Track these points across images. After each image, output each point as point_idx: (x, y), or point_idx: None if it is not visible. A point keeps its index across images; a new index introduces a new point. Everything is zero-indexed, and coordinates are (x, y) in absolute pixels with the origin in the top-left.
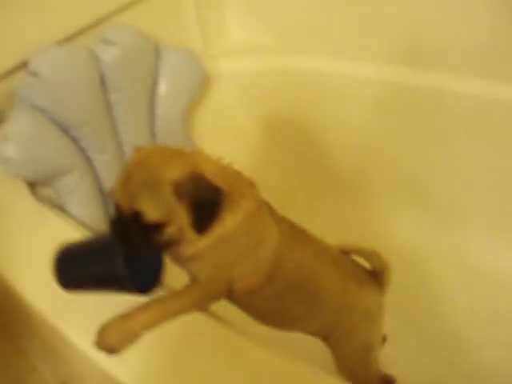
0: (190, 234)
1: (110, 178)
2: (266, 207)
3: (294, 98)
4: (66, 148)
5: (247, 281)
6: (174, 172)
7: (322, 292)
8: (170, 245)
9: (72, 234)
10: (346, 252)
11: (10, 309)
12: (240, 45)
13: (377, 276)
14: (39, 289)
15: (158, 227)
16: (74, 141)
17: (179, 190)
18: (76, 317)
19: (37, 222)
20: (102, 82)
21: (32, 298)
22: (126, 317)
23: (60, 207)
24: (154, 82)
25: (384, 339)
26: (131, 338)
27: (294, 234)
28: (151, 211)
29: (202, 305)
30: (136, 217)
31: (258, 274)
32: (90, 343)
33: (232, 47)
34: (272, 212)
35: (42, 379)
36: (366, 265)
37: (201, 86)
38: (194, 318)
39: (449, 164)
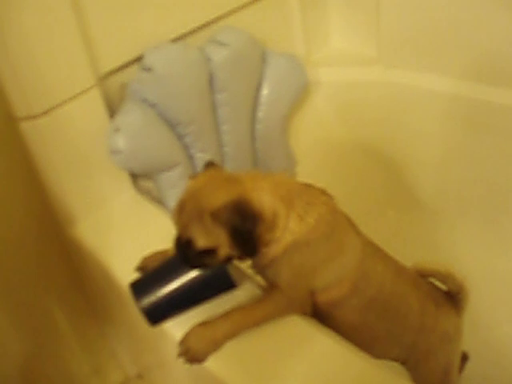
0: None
1: None
2: (343, 216)
3: (388, 112)
4: (172, 144)
5: (332, 292)
6: (217, 201)
7: (402, 312)
8: (230, 261)
9: (171, 226)
10: (421, 274)
11: (104, 295)
12: (341, 53)
13: (453, 297)
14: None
15: (210, 252)
16: (179, 138)
17: (217, 218)
18: None
19: (137, 214)
20: (210, 81)
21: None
22: (208, 325)
23: (159, 201)
24: (258, 86)
25: (465, 358)
26: (215, 346)
27: (374, 247)
28: (199, 239)
29: (285, 312)
30: (188, 243)
31: (343, 285)
32: (179, 329)
33: (333, 55)
34: (351, 223)
35: (120, 365)
36: (442, 286)
37: (303, 92)
38: None
39: None
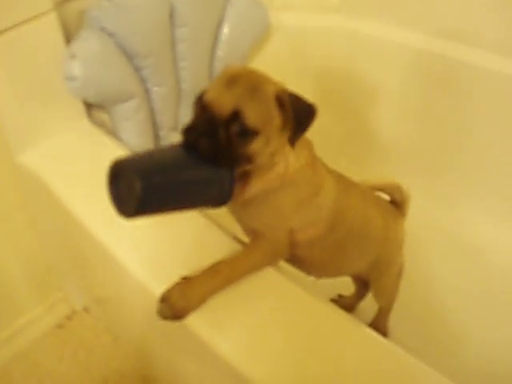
0: (269, 151)
1: (164, 110)
2: (318, 157)
3: (348, 62)
4: (129, 75)
5: (309, 231)
6: (276, 85)
7: (371, 233)
8: (248, 161)
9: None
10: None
11: (52, 225)
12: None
13: (398, 206)
14: (88, 206)
15: (248, 135)
16: (137, 70)
17: (282, 99)
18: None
19: (90, 144)
20: (171, 15)
21: (80, 214)
22: (192, 280)
23: (113, 133)
24: (219, 24)
25: None
26: (199, 303)
27: (344, 181)
28: (253, 115)
29: (270, 260)
30: (235, 117)
31: (320, 224)
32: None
33: (296, 1)
34: (322, 162)
35: (67, 299)
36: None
37: (263, 34)
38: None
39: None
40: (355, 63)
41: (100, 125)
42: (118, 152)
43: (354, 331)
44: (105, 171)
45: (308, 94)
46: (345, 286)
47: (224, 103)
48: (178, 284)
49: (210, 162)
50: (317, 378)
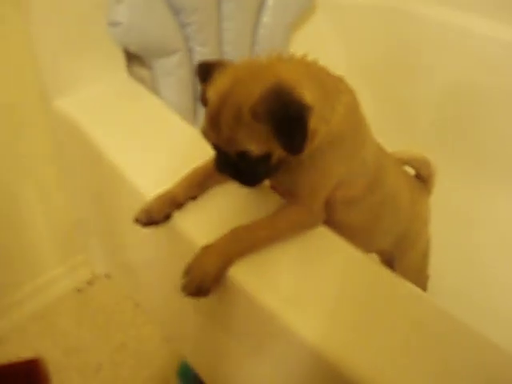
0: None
1: None
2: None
3: (393, 41)
4: (173, 29)
5: (350, 188)
6: (253, 94)
7: (402, 203)
8: (281, 166)
9: (162, 110)
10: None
11: (85, 175)
12: None
13: (424, 182)
14: (126, 156)
15: (264, 159)
16: (181, 26)
17: (257, 112)
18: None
19: (129, 95)
20: None
21: (117, 163)
22: (211, 249)
23: (152, 90)
24: None
25: None
26: (220, 272)
27: (379, 144)
28: (254, 148)
29: (306, 223)
30: (242, 156)
31: (361, 181)
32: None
33: None
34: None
35: (90, 263)
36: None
37: (308, 7)
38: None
39: None
40: (401, 43)
41: (140, 81)
42: (157, 106)
43: (406, 292)
44: (143, 124)
45: (346, 71)
46: None
47: (224, 147)
48: (198, 254)
49: (246, 186)
50: (367, 337)
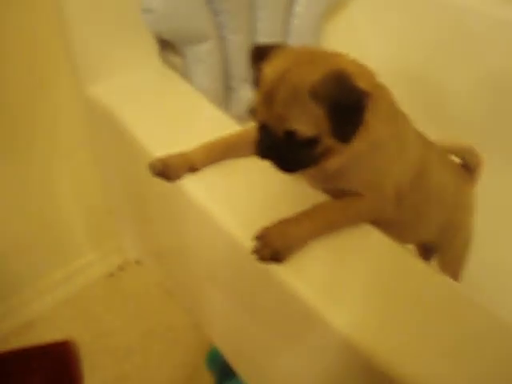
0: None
1: (236, 59)
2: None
3: (429, 34)
4: (205, 16)
5: (396, 189)
6: (314, 75)
7: (445, 194)
8: (324, 157)
9: (195, 97)
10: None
11: (117, 162)
12: None
13: (469, 171)
14: (160, 144)
15: (313, 141)
16: (215, 14)
17: (316, 92)
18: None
19: (162, 82)
20: None
21: (151, 150)
22: (291, 221)
23: (185, 78)
24: None
25: None
26: (299, 244)
27: (423, 138)
28: (304, 128)
29: (375, 212)
30: (290, 136)
31: (406, 181)
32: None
33: None
34: (404, 113)
35: (121, 248)
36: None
37: None
38: None
39: None
40: (436, 35)
41: (173, 69)
42: (190, 93)
43: (440, 284)
44: (176, 111)
45: (378, 61)
46: None
47: (273, 125)
48: (277, 223)
49: (286, 172)
50: (401, 328)
